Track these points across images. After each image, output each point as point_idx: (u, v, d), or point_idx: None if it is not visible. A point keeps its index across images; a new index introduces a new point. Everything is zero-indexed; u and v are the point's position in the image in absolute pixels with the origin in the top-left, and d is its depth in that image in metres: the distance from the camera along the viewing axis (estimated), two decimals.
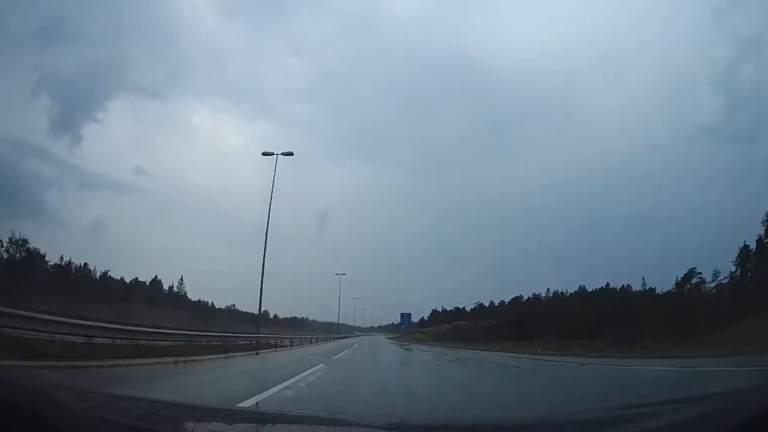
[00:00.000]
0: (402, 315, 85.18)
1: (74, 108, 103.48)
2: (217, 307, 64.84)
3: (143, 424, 1.43)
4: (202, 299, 64.33)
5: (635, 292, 49.59)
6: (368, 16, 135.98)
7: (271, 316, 73.40)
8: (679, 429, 1.30)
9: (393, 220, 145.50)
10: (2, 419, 1.05)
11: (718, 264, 41.88)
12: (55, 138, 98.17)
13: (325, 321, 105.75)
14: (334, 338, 54.13)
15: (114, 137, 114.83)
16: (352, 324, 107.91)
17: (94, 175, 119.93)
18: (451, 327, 72.14)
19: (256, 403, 5.68)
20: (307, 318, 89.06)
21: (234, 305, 67.18)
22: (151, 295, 52.84)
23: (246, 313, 61.73)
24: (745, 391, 1.58)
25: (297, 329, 60.34)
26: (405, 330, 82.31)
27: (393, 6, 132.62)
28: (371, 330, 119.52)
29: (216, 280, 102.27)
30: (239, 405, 4.92)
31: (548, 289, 64.61)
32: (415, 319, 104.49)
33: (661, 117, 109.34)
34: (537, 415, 3.27)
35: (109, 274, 53.93)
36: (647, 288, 49.02)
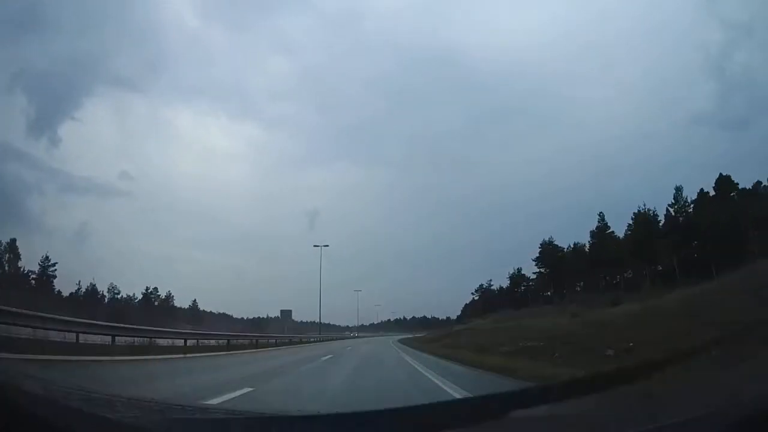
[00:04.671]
0: None
1: (52, 106, 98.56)
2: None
3: (142, 424, 1.43)
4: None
5: None
6: (352, 10, 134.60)
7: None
8: (678, 429, 1.30)
9: (383, 216, 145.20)
10: (2, 419, 1.05)
11: None
12: (33, 139, 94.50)
13: (312, 321, 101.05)
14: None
15: (95, 138, 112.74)
16: (342, 324, 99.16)
17: (76, 178, 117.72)
18: None
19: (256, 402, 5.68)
20: (267, 316, 75.81)
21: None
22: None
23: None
24: (745, 391, 1.58)
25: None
26: None
27: None
28: (368, 329, 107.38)
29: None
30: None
31: None
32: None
33: (653, 105, 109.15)
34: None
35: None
36: None
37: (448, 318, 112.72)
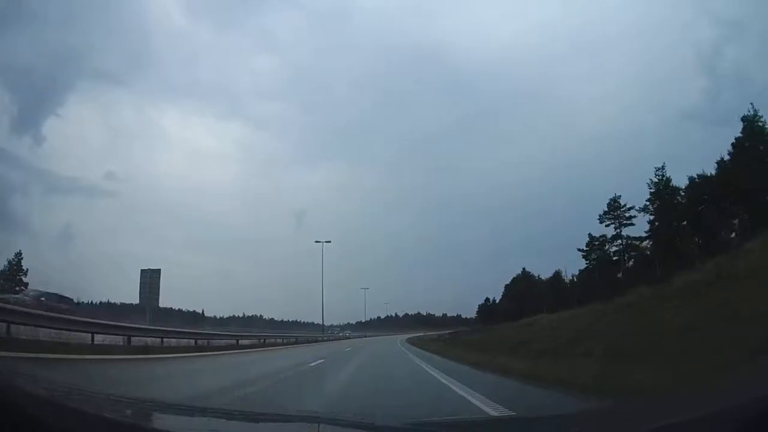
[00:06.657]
0: None
1: (36, 102, 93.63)
2: None
3: (142, 424, 1.42)
4: None
5: None
6: (339, 9, 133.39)
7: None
8: (680, 429, 1.30)
9: (370, 218, 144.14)
10: (2, 419, 1.05)
11: None
12: (16, 136, 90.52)
13: (296, 320, 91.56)
14: None
15: (79, 136, 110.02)
16: (335, 322, 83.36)
17: (61, 177, 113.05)
18: None
19: (256, 401, 5.68)
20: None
21: None
22: None
23: None
24: (744, 392, 1.57)
25: None
26: None
27: None
28: (354, 327, 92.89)
29: None
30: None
31: None
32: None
33: (644, 103, 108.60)
34: (539, 415, 3.26)
35: None
36: None
37: (444, 315, 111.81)
